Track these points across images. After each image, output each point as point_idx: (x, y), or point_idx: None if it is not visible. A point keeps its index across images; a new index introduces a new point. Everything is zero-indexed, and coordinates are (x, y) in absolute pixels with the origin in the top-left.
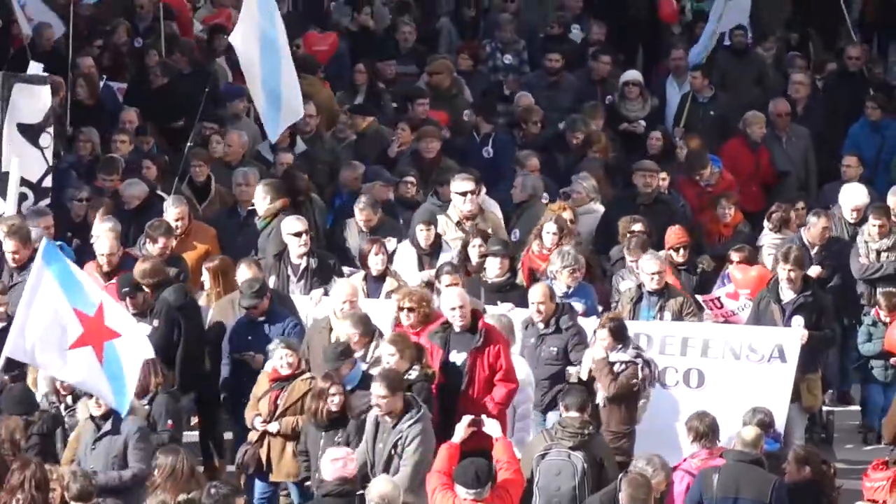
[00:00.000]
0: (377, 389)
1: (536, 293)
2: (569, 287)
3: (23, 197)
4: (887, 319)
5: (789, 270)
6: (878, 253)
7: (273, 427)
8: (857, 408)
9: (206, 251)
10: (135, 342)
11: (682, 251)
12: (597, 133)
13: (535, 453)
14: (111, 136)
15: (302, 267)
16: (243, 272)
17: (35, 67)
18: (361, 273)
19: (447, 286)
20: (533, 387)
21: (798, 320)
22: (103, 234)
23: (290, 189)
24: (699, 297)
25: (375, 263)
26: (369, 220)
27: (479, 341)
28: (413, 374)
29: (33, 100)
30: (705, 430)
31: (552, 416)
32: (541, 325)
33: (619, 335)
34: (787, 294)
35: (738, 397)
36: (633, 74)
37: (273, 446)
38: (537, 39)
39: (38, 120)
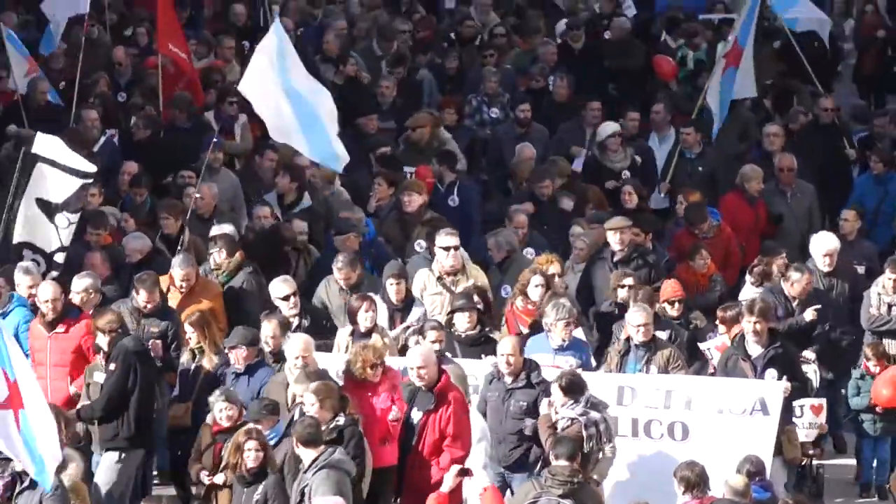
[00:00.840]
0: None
1: (506, 346)
2: (564, 341)
3: (35, 263)
4: (876, 370)
5: (755, 323)
6: (890, 307)
7: (219, 478)
8: (849, 460)
9: (211, 309)
10: (40, 417)
11: (676, 305)
12: (593, 190)
13: (526, 502)
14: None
15: (294, 326)
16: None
17: (80, 163)
18: (349, 328)
19: (433, 342)
20: (488, 441)
21: (772, 373)
22: (45, 281)
23: (275, 241)
24: (701, 346)
25: (365, 320)
26: (348, 277)
27: (432, 403)
28: (340, 421)
29: (59, 183)
30: (696, 480)
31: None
32: (508, 380)
33: (571, 391)
34: (755, 349)
35: (723, 450)
36: (612, 127)
37: (220, 499)
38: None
39: (58, 200)
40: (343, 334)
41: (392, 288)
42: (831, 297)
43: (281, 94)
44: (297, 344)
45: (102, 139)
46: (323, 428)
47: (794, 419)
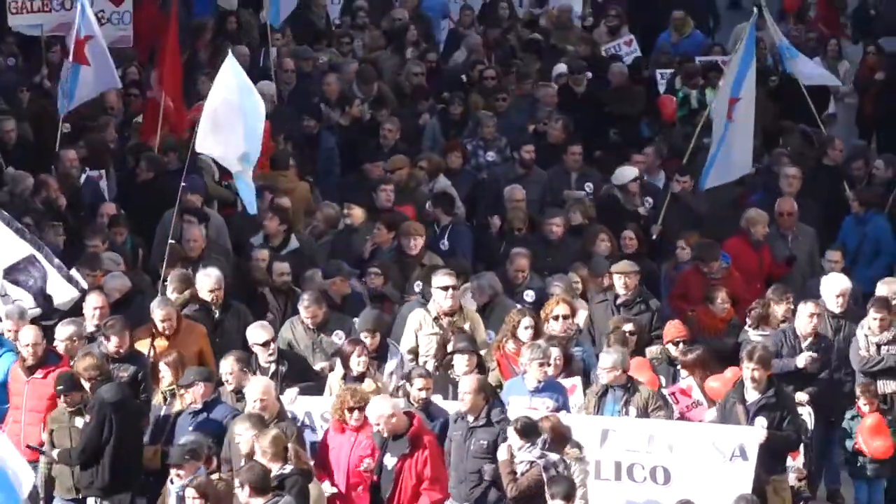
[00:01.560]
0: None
1: (465, 384)
2: (539, 382)
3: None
4: (867, 409)
5: (753, 370)
6: (878, 346)
7: None
8: None
9: (199, 351)
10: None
11: (680, 345)
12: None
13: None
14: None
15: (271, 371)
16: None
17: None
18: (341, 372)
19: (419, 389)
20: None
21: (761, 421)
22: (27, 326)
23: (247, 281)
24: (664, 391)
25: (357, 364)
26: (315, 316)
27: (407, 448)
28: (286, 470)
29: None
30: None
31: None
32: (470, 418)
33: (526, 434)
34: (752, 395)
35: (704, 495)
36: (632, 172)
37: None
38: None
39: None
40: (335, 377)
41: (367, 339)
42: (837, 339)
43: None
44: (256, 387)
45: (83, 177)
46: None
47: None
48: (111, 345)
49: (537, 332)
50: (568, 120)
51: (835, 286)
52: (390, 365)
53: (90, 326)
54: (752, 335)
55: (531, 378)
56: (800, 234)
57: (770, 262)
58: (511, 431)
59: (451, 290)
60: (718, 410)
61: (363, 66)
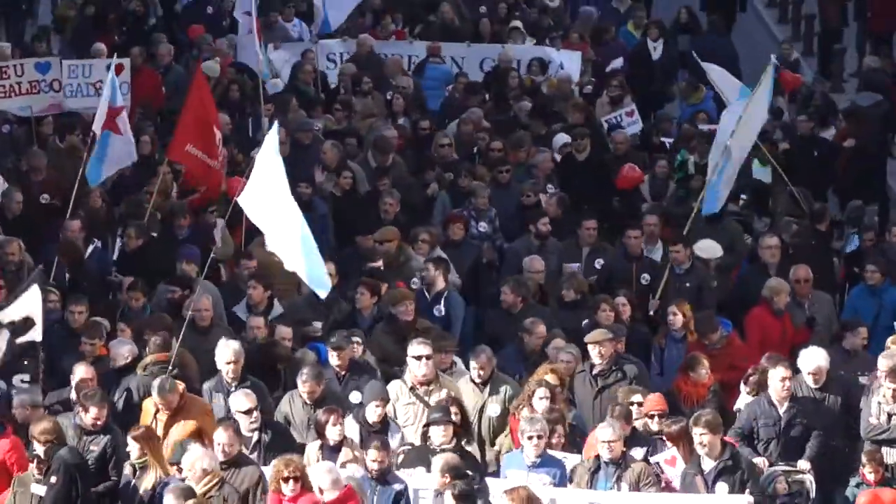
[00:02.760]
0: None
1: (436, 463)
2: (537, 458)
3: None
4: (872, 477)
5: (701, 435)
6: (890, 416)
7: None
8: None
9: (198, 428)
10: None
11: (656, 419)
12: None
13: None
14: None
15: (254, 440)
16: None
17: None
18: (318, 443)
19: (373, 461)
20: None
21: (722, 487)
22: None
23: (270, 359)
24: (651, 460)
25: (333, 434)
26: (313, 392)
27: None
28: None
29: None
30: None
31: None
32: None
33: (462, 500)
34: (707, 462)
35: None
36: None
37: None
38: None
39: None
40: (313, 448)
41: (377, 410)
42: (823, 405)
43: (282, 206)
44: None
45: (90, 249)
46: None
47: None
48: (88, 416)
49: (553, 403)
50: (563, 196)
51: (809, 363)
52: (396, 439)
53: (73, 395)
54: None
55: (529, 453)
56: (815, 300)
57: (792, 330)
58: (448, 496)
59: (424, 360)
60: (681, 489)
61: (379, 136)
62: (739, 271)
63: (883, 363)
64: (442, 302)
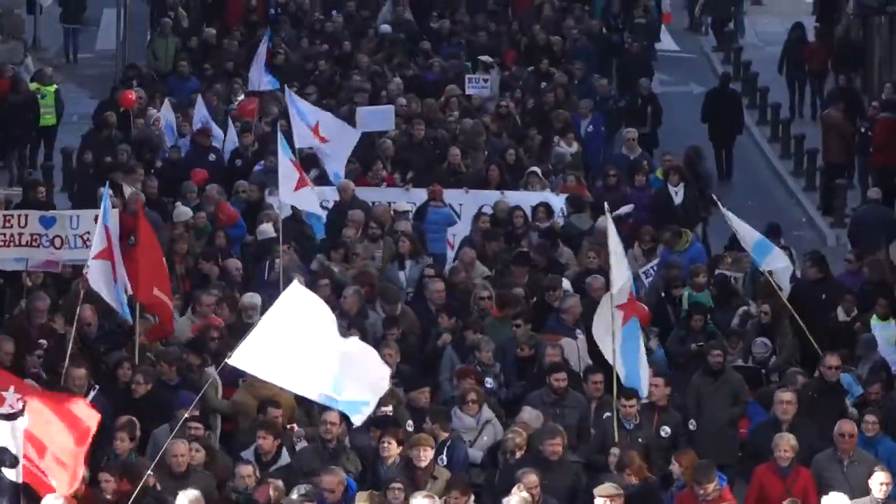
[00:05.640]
0: None
1: None
2: None
3: None
4: None
5: None
6: None
7: None
8: None
9: None
10: None
11: None
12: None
13: None
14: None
15: None
16: None
17: None
18: None
19: None
20: None
21: None
22: None
23: None
24: None
25: None
26: None
27: None
28: None
29: None
30: None
31: None
32: None
33: None
34: None
35: None
36: None
37: None
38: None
39: None
40: None
41: None
42: None
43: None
44: None
45: (91, 395)
46: None
47: None
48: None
49: None
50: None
51: None
52: None
53: None
54: None
55: None
56: (856, 458)
57: (798, 489)
58: None
59: None
60: None
61: (385, 286)
62: (750, 425)
63: None
64: (445, 451)
